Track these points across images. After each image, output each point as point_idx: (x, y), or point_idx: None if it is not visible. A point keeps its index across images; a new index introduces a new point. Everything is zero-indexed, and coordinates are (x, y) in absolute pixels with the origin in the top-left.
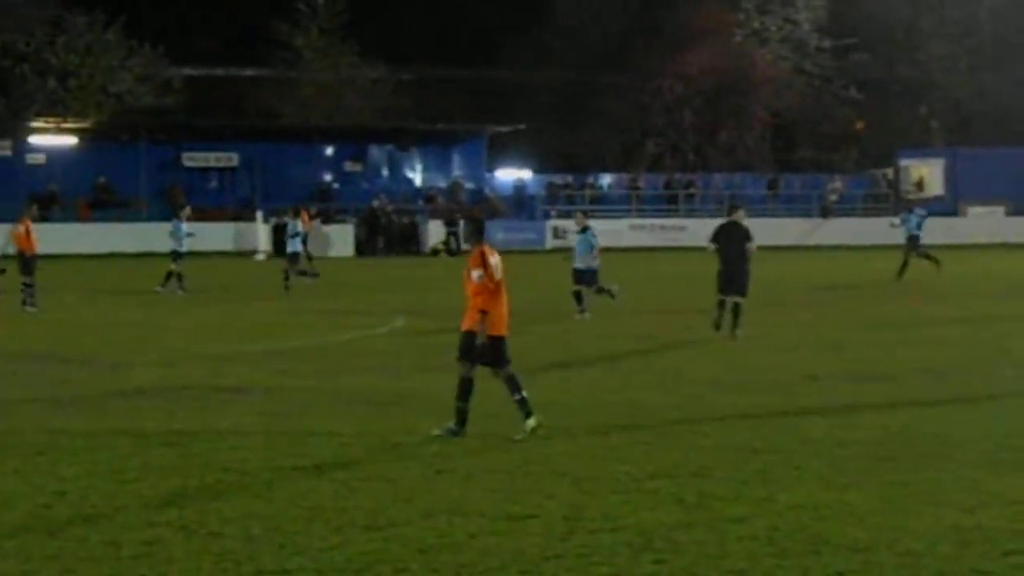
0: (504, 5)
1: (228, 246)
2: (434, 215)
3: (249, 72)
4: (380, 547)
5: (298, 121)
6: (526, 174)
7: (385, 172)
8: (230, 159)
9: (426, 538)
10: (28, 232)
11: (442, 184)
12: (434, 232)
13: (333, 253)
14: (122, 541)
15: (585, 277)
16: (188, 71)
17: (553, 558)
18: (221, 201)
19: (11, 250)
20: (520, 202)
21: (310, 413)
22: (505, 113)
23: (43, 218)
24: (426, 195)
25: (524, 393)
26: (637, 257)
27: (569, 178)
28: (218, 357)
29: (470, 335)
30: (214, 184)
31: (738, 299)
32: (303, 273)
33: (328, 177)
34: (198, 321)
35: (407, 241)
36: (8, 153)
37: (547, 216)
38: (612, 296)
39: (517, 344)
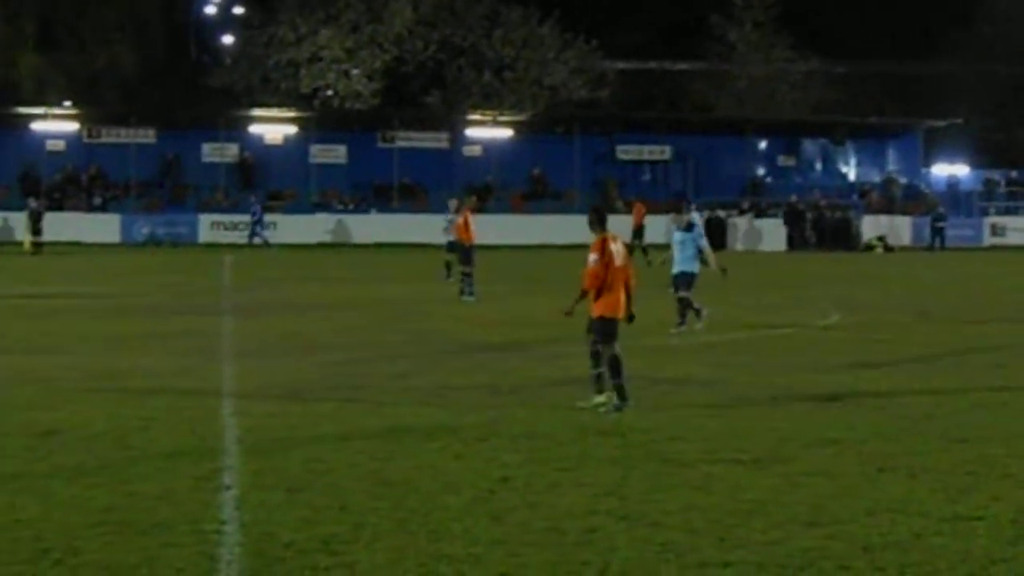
0: None
1: (661, 239)
2: (868, 210)
3: (682, 65)
4: (822, 544)
5: (731, 114)
6: (962, 170)
7: (818, 166)
8: (663, 152)
9: (869, 536)
10: (467, 223)
11: (876, 179)
12: (868, 227)
13: (764, 247)
14: (565, 528)
15: (685, 281)
16: (621, 64)
17: (1000, 561)
18: (654, 194)
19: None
20: (956, 199)
21: (747, 407)
22: (940, 107)
23: (479, 209)
24: (860, 190)
25: (604, 370)
26: None
27: (1012, 174)
28: (655, 349)
29: (601, 320)
30: (647, 177)
31: None
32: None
33: (761, 171)
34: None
35: (840, 236)
36: (445, 145)
37: (984, 213)
38: (699, 317)
39: (936, 339)
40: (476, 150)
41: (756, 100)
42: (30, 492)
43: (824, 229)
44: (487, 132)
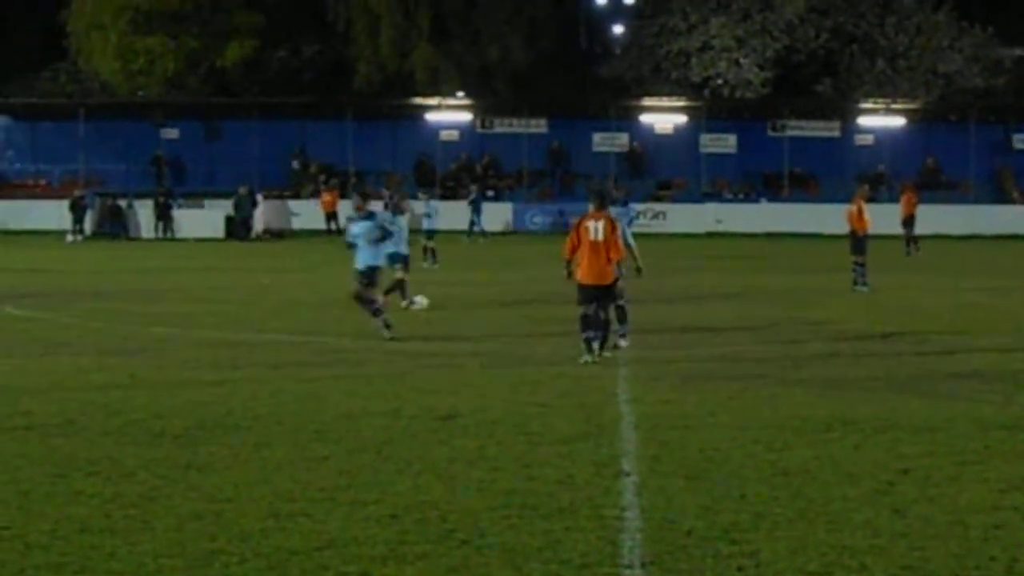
0: None
1: None
2: None
3: None
4: None
5: None
6: None
7: None
8: None
9: None
10: (860, 212)
11: None
12: None
13: None
14: (968, 522)
15: (368, 275)
16: (1019, 51)
17: None
18: None
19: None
20: None
21: None
22: None
23: (871, 198)
24: None
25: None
26: None
27: None
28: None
29: (578, 285)
30: None
31: None
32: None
33: None
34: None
35: None
36: (837, 134)
37: None
38: (387, 329)
39: None
40: (868, 139)
41: None
42: (434, 474)
43: None
44: (879, 121)
